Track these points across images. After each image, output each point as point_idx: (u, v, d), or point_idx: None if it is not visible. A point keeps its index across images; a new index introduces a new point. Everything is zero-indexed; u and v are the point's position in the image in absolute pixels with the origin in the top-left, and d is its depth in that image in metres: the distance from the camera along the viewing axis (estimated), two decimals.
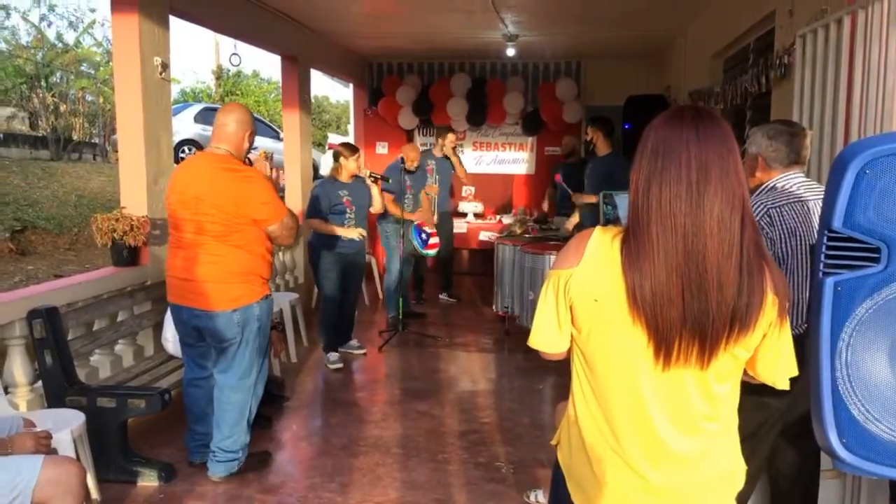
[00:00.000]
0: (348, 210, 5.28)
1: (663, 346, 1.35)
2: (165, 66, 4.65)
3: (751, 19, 4.77)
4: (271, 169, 3.55)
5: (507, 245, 6.26)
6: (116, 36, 4.49)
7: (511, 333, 6.21)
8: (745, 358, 1.41)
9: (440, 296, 7.78)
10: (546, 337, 1.49)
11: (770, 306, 1.36)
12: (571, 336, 1.48)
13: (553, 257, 5.59)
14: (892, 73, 2.57)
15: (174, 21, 4.92)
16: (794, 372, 1.46)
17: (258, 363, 3.41)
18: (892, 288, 1.48)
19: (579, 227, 6.20)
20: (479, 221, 8.84)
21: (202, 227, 3.16)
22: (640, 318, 1.34)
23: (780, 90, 4.06)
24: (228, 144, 3.26)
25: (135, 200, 4.50)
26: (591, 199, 5.77)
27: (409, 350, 5.89)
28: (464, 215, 8.81)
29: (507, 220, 8.74)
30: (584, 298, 1.41)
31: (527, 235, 6.82)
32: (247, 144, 3.33)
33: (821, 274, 1.55)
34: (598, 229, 1.48)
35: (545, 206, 8.16)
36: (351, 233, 5.19)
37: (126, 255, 4.38)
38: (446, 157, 7.24)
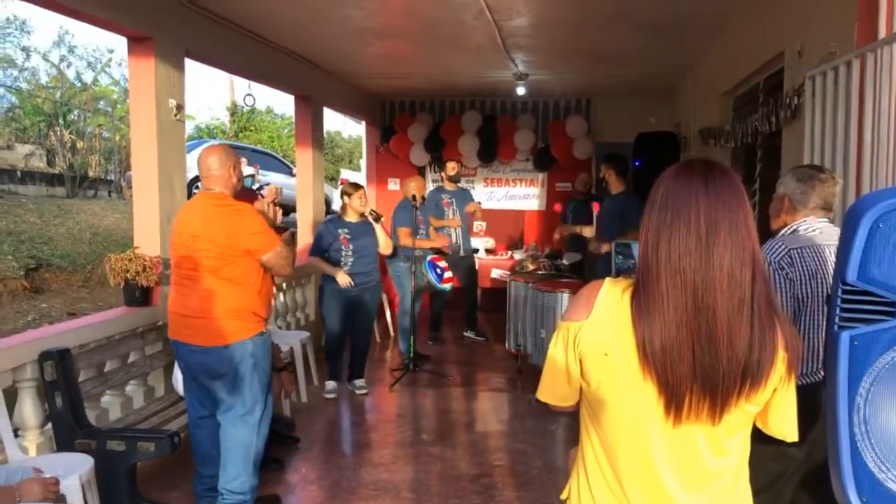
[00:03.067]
0: (344, 248, 5.36)
1: (674, 401, 1.33)
2: (180, 108, 4.72)
3: (760, 59, 4.78)
4: (273, 205, 3.59)
5: (519, 282, 6.24)
6: (133, 78, 4.58)
7: (524, 372, 6.15)
8: (755, 412, 1.39)
9: (465, 333, 7.69)
10: (555, 390, 1.48)
11: (780, 362, 1.35)
12: (580, 388, 1.47)
13: (566, 295, 5.57)
14: None
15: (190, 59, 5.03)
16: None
17: (261, 401, 3.38)
18: None
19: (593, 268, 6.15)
20: (491, 257, 8.83)
21: (198, 263, 3.22)
22: (651, 372, 1.33)
23: (791, 130, 4.06)
24: (217, 184, 3.33)
25: (148, 240, 4.53)
26: (605, 247, 5.77)
27: (421, 389, 5.84)
28: (475, 251, 8.80)
29: (518, 255, 8.73)
30: (594, 352, 1.39)
31: (540, 272, 6.79)
32: (235, 178, 3.40)
33: (836, 327, 1.52)
34: (608, 281, 1.47)
35: (556, 240, 8.14)
36: (340, 277, 5.27)
37: (138, 296, 4.40)
38: (462, 189, 7.26)
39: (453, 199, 7.19)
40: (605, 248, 5.97)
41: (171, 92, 4.64)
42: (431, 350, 7.03)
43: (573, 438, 1.53)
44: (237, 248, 3.19)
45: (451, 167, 7.23)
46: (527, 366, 6.08)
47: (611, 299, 1.40)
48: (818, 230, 2.43)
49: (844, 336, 1.50)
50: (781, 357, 1.34)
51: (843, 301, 1.51)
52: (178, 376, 4.15)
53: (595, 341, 1.39)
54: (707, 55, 6.33)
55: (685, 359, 1.31)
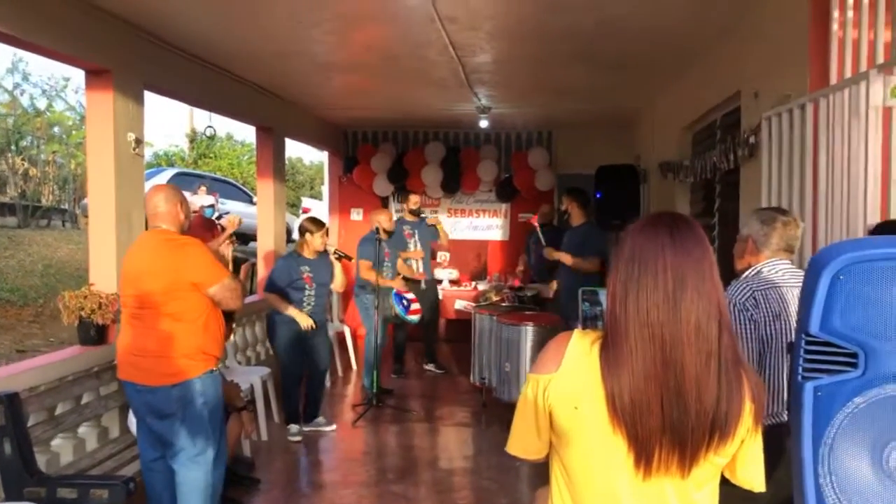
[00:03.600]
0: (308, 287, 5.28)
1: (643, 454, 1.34)
2: (139, 142, 4.64)
3: (717, 97, 4.91)
4: (229, 240, 3.58)
5: (484, 315, 6.22)
6: (90, 112, 4.49)
7: (488, 405, 6.11)
8: (723, 464, 1.41)
9: (425, 366, 7.61)
10: (525, 444, 1.50)
11: (747, 414, 1.37)
12: (550, 440, 1.46)
13: (530, 328, 5.57)
14: (855, 162, 2.64)
15: None
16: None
17: (213, 441, 3.28)
18: (871, 393, 1.48)
19: (559, 295, 6.17)
20: (455, 288, 8.82)
21: (143, 301, 3.18)
22: (621, 426, 1.34)
23: (748, 168, 4.15)
24: (165, 222, 3.31)
25: (104, 277, 4.42)
26: (565, 257, 5.81)
27: (384, 425, 5.76)
28: (439, 282, 8.79)
29: (482, 286, 8.74)
30: (563, 405, 1.40)
31: (504, 304, 6.80)
32: (182, 215, 3.37)
33: (800, 378, 1.54)
34: (576, 333, 1.47)
35: (519, 270, 8.16)
36: (302, 320, 5.18)
37: (94, 334, 4.27)
38: (423, 220, 7.26)
39: (415, 231, 7.21)
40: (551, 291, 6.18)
41: (130, 125, 4.56)
42: (395, 384, 6.94)
43: (538, 475, 1.52)
44: (183, 282, 3.15)
45: (414, 201, 7.24)
46: (491, 399, 6.04)
47: (580, 352, 1.41)
48: (782, 271, 2.47)
49: (808, 387, 1.52)
50: (748, 409, 1.36)
51: (807, 352, 1.53)
52: (133, 417, 4.03)
53: (565, 394, 1.39)
54: (666, 91, 6.48)
55: (654, 412, 1.32)
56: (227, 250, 3.64)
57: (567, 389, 1.39)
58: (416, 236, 7.21)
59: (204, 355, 3.24)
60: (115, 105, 4.40)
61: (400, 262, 6.71)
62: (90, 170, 4.52)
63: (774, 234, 2.48)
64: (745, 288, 2.41)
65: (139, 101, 4.68)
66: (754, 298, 2.38)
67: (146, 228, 4.86)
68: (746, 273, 2.52)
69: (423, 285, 7.19)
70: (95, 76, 4.38)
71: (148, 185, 5.18)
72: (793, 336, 2.39)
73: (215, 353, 3.31)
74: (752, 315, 2.36)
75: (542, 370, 1.45)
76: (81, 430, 4.14)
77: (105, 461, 3.85)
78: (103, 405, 4.17)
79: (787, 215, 2.56)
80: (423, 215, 7.42)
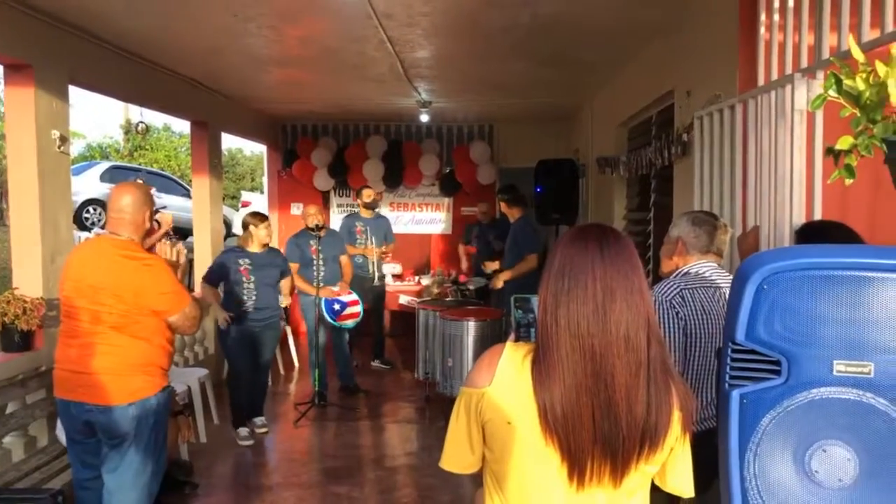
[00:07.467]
0: (245, 279, 5.23)
1: (576, 466, 1.36)
2: (64, 139, 4.46)
3: (651, 95, 4.99)
4: (172, 243, 3.38)
5: (428, 310, 6.22)
6: (9, 109, 4.28)
7: (432, 400, 6.12)
8: (653, 472, 1.43)
9: (372, 363, 7.59)
10: (459, 459, 1.50)
11: (676, 423, 1.39)
12: (483, 454, 1.47)
13: (472, 323, 5.59)
14: (781, 163, 2.72)
15: None
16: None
17: (153, 459, 3.15)
18: (793, 399, 1.52)
19: (504, 291, 6.18)
20: (398, 283, 8.78)
21: (99, 317, 2.96)
22: (553, 439, 1.35)
23: (681, 165, 4.24)
24: (128, 230, 3.07)
25: (29, 281, 4.24)
26: (505, 275, 5.88)
27: (326, 424, 5.70)
28: (382, 277, 8.72)
29: (425, 280, 8.73)
30: (496, 420, 1.40)
31: (448, 299, 6.81)
32: (148, 224, 3.16)
33: (727, 385, 1.57)
34: (508, 346, 1.48)
35: (464, 265, 8.18)
36: (218, 313, 5.15)
37: (18, 341, 4.09)
38: (378, 216, 7.15)
39: (367, 227, 7.06)
40: (499, 283, 6.14)
41: (54, 122, 4.37)
42: (335, 382, 6.73)
43: (480, 473, 1.52)
44: (143, 308, 2.96)
45: (367, 194, 7.06)
46: (435, 394, 6.05)
47: (512, 365, 1.41)
48: (709, 271, 2.51)
49: (734, 394, 1.55)
50: (676, 417, 1.39)
51: (733, 360, 1.56)
52: (62, 427, 3.88)
53: (497, 409, 1.39)
54: (603, 87, 6.56)
55: (586, 424, 1.33)
56: (182, 257, 3.41)
57: (500, 403, 1.39)
58: (368, 232, 7.05)
59: (161, 371, 3.08)
60: (36, 101, 4.20)
61: (346, 260, 6.47)
62: (11, 170, 4.31)
63: (706, 236, 2.53)
64: (672, 285, 2.44)
65: (64, 96, 4.49)
66: (681, 296, 2.41)
67: (80, 216, 4.69)
68: (675, 273, 2.55)
69: (375, 281, 7.12)
70: (15, 71, 4.18)
71: (79, 181, 4.96)
72: (721, 337, 2.45)
73: (167, 367, 3.15)
74: (678, 311, 2.39)
75: (474, 384, 1.45)
76: (7, 440, 3.98)
77: (32, 473, 3.71)
78: (30, 414, 4.01)
79: (717, 219, 2.62)
80: (377, 210, 7.21)
